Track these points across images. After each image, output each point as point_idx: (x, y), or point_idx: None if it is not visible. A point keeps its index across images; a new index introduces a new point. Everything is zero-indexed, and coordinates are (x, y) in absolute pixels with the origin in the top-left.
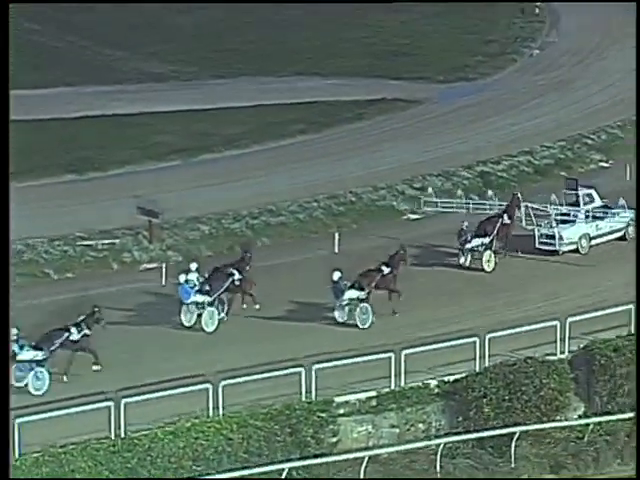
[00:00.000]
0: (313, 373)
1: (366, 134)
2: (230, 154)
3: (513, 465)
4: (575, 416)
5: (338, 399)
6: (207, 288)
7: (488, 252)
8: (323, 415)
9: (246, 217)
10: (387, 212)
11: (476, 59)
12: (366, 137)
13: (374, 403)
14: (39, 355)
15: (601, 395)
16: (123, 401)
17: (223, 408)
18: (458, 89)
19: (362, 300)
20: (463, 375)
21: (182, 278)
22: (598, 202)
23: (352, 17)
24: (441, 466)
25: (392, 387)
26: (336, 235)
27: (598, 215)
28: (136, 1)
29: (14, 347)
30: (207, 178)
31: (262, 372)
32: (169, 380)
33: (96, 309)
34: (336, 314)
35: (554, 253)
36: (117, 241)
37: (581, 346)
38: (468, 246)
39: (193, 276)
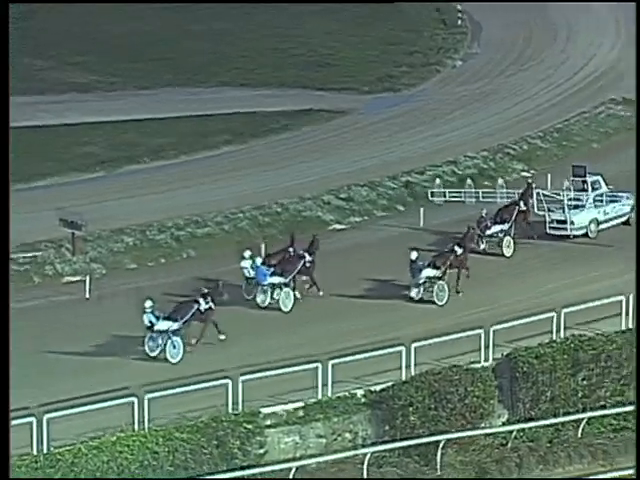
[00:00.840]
0: (240, 384)
1: (292, 145)
2: (155, 165)
3: (439, 472)
4: (499, 423)
5: (265, 410)
6: (281, 270)
7: (508, 238)
8: (250, 427)
9: (171, 228)
10: (313, 223)
11: (401, 70)
12: (292, 148)
13: (301, 414)
14: (174, 325)
15: (524, 402)
16: (45, 417)
17: (149, 421)
18: (383, 100)
19: (438, 278)
20: (389, 384)
21: (246, 263)
22: (604, 188)
23: (279, 28)
24: (368, 475)
25: (319, 397)
26: (262, 246)
27: (605, 201)
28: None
29: (150, 318)
30: (132, 189)
31: (189, 384)
32: (94, 394)
33: (220, 282)
34: (413, 292)
35: (565, 238)
36: (39, 254)
37: (504, 354)
38: (488, 232)
39: (247, 263)
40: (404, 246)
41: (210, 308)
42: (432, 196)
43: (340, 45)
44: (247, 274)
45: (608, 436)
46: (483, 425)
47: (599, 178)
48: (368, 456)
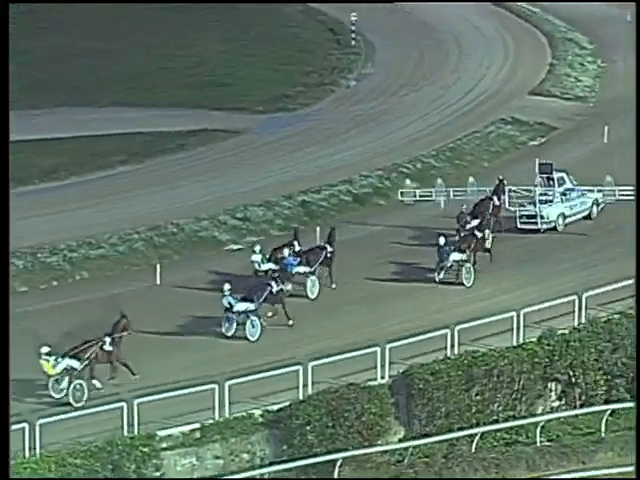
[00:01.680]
0: (135, 407)
1: (188, 165)
2: (48, 186)
3: None
4: (396, 439)
5: (161, 433)
6: (307, 260)
7: (487, 231)
8: (145, 450)
9: (64, 250)
10: (209, 243)
11: (296, 90)
12: (188, 168)
13: (198, 435)
14: (251, 306)
15: (420, 418)
16: None
17: (41, 447)
18: (279, 119)
19: (465, 261)
20: (287, 404)
21: (257, 257)
22: (569, 184)
23: (173, 48)
24: None
25: (216, 418)
26: (158, 267)
27: (571, 196)
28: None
29: (229, 300)
30: (23, 211)
31: (83, 409)
32: None
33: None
34: (441, 275)
35: (536, 232)
36: None
37: (400, 371)
38: (468, 227)
39: (257, 257)
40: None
41: (281, 290)
42: (402, 196)
43: (235, 65)
44: (258, 267)
45: (500, 450)
46: (380, 442)
47: (564, 175)
48: (266, 476)
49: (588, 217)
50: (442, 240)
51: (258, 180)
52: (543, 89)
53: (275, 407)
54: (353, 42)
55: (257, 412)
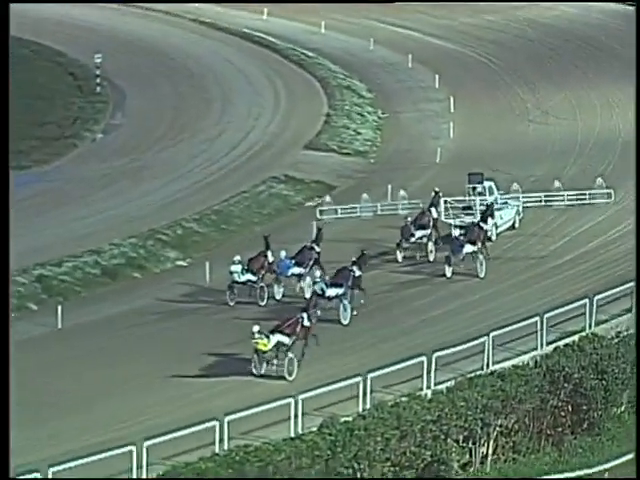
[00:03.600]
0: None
1: None
2: None
3: None
4: None
5: None
6: (300, 261)
7: (430, 243)
8: None
9: None
10: None
11: (30, 144)
12: None
13: None
14: (340, 291)
15: None
16: None
17: None
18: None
19: (477, 253)
20: None
21: (236, 268)
22: (496, 194)
23: None
24: None
25: None
26: None
27: (500, 206)
28: None
29: (322, 286)
30: None
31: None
32: None
33: (364, 252)
34: (451, 269)
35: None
36: None
37: (161, 473)
38: (412, 239)
39: (237, 268)
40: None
41: (360, 276)
42: (321, 214)
43: None
44: (237, 278)
45: None
46: None
47: (492, 184)
48: None
49: (512, 227)
50: (457, 231)
51: None
52: (319, 143)
53: None
54: (98, 88)
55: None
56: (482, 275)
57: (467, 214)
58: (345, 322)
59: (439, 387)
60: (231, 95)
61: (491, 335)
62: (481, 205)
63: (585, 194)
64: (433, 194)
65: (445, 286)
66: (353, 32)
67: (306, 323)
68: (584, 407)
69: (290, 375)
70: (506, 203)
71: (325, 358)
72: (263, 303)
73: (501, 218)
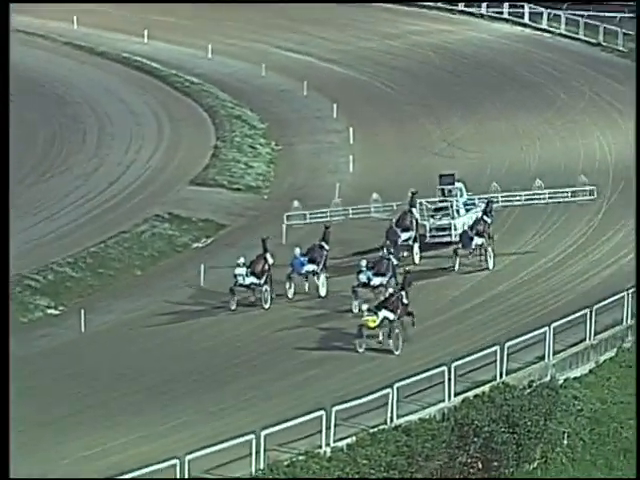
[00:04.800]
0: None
1: None
2: None
3: None
4: None
5: None
6: (314, 258)
7: (416, 245)
8: None
9: None
10: None
11: None
12: None
13: None
14: (384, 280)
15: None
16: None
17: None
18: None
19: (487, 245)
20: None
21: (241, 271)
22: (465, 195)
23: None
24: None
25: None
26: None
27: (470, 207)
28: None
29: (368, 275)
30: None
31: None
32: None
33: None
34: (456, 265)
35: (448, 244)
36: None
37: None
38: (399, 241)
39: (242, 270)
40: None
41: (396, 265)
42: (288, 220)
43: None
44: (242, 281)
45: None
46: None
47: (462, 185)
48: None
49: None
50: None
51: None
52: (207, 178)
53: None
54: None
55: None
56: (491, 267)
57: (444, 215)
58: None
59: (339, 444)
60: (109, 126)
61: (395, 386)
62: (459, 206)
63: (567, 192)
64: (410, 195)
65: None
66: (243, 57)
67: (405, 300)
68: (495, 463)
69: (397, 350)
70: (474, 204)
71: (218, 414)
72: (267, 305)
73: (470, 219)
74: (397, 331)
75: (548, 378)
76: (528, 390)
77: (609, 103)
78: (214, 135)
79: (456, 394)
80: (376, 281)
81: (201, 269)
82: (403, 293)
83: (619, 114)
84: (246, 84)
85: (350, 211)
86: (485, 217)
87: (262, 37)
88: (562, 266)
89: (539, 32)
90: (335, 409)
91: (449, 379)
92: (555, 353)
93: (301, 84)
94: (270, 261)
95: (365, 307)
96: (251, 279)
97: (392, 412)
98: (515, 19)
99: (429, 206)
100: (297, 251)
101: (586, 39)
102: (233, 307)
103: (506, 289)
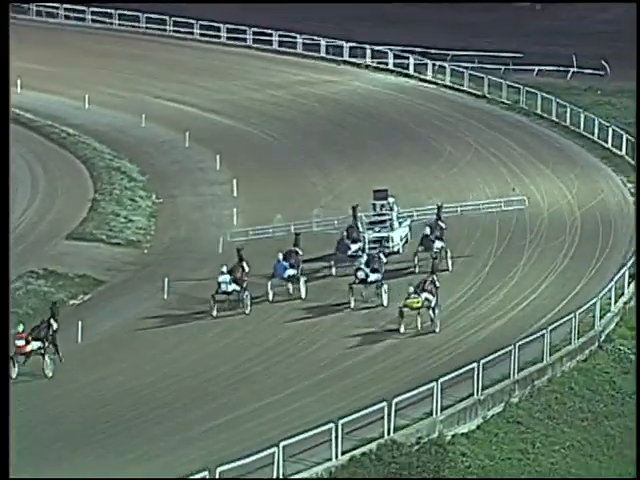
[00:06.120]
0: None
1: None
2: None
3: None
4: None
5: None
6: (292, 264)
7: (365, 255)
8: None
9: None
10: None
11: None
12: None
13: None
14: (380, 276)
15: None
16: None
17: None
18: None
19: (446, 248)
20: None
21: (224, 278)
22: (396, 209)
23: None
24: None
25: None
26: None
27: (403, 221)
28: None
29: (366, 271)
30: None
31: None
32: None
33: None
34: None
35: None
36: None
37: None
38: (349, 252)
39: (226, 278)
40: None
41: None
42: (230, 237)
43: None
44: (225, 288)
45: None
46: None
47: (394, 200)
48: None
49: (406, 242)
50: (427, 230)
51: None
52: (85, 232)
53: None
54: None
55: None
56: (451, 269)
57: (382, 228)
58: (385, 304)
59: None
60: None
61: (281, 445)
62: (393, 219)
63: (500, 202)
64: (352, 209)
65: (232, 393)
66: (122, 107)
67: (437, 284)
68: None
69: (437, 328)
70: (404, 218)
71: None
72: (248, 311)
73: (403, 232)
74: (437, 311)
75: (436, 434)
76: (416, 447)
77: (494, 155)
78: (92, 188)
79: (343, 452)
80: (373, 277)
81: (78, 326)
82: (434, 277)
83: (504, 166)
84: (125, 135)
85: (292, 226)
86: (439, 222)
87: (141, 86)
88: (450, 319)
89: (424, 83)
90: (219, 469)
91: (336, 437)
92: (443, 408)
93: (183, 135)
94: (246, 269)
95: (411, 289)
96: (233, 286)
97: (278, 472)
98: (400, 70)
99: (365, 220)
100: (280, 256)
101: (471, 91)
102: (214, 313)
103: (395, 343)
